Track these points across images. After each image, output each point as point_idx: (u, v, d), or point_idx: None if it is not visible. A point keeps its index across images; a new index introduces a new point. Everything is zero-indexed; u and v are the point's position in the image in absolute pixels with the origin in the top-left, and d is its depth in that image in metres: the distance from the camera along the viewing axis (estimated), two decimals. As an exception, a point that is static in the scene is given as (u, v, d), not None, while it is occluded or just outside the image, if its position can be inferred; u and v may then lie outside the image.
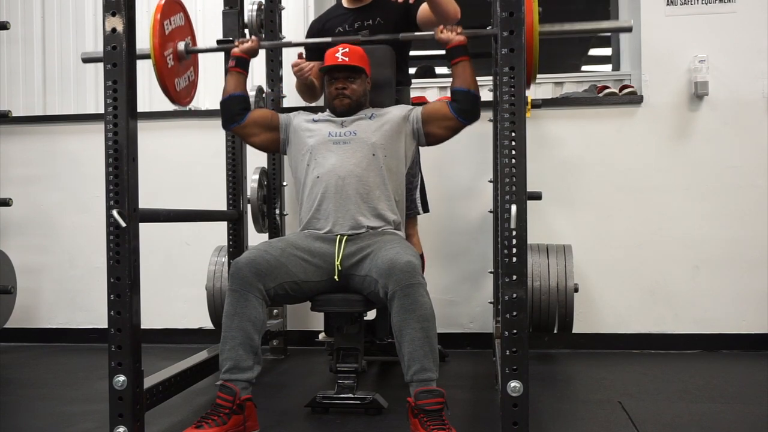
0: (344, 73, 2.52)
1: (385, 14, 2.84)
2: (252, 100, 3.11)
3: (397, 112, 2.54)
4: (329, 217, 2.40)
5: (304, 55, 2.81)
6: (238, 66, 2.55)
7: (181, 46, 2.48)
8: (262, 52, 3.32)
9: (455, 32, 2.39)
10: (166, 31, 2.39)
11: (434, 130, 2.51)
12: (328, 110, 2.61)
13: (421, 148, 2.90)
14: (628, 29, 2.35)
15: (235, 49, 2.54)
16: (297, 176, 2.55)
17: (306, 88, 2.92)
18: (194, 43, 2.59)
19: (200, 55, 2.72)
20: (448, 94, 2.54)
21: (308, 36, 3.04)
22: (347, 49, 2.52)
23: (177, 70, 2.48)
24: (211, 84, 3.62)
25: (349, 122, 2.50)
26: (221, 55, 3.00)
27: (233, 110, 2.55)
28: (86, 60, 2.53)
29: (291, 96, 3.34)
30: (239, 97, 2.55)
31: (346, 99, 2.52)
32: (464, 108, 2.45)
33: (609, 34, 4.36)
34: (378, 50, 2.78)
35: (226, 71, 2.63)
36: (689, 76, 3.39)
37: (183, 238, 3.72)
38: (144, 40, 3.02)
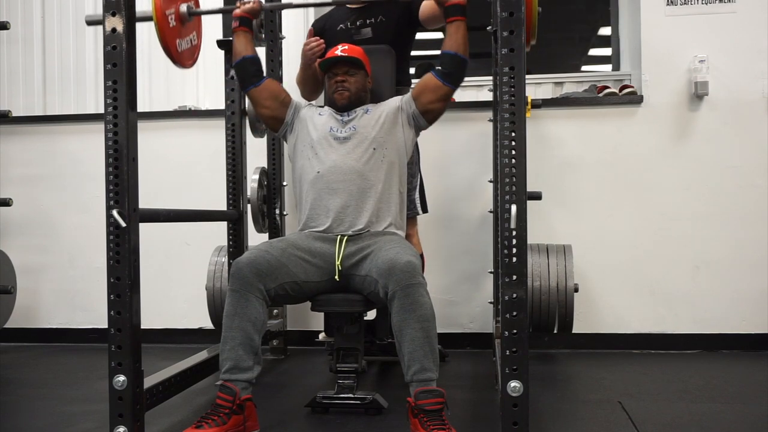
0: (344, 68, 2.54)
1: (387, 12, 2.87)
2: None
3: (390, 103, 2.56)
4: (329, 213, 2.41)
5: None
6: (242, 25, 2.57)
7: (183, 7, 2.46)
8: (262, 52, 3.31)
9: None
10: None
11: (428, 106, 2.51)
12: (329, 106, 2.61)
13: (421, 148, 2.91)
14: None
15: (237, 10, 2.57)
16: (295, 167, 2.56)
17: (309, 78, 2.91)
18: (197, 6, 2.58)
19: (200, 58, 2.71)
20: None
21: (311, 35, 3.03)
22: (347, 47, 2.57)
23: (179, 32, 2.45)
24: (211, 84, 3.62)
25: (349, 118, 2.50)
26: (221, 55, 3.01)
27: (248, 71, 2.57)
28: (90, 22, 2.46)
29: (291, 96, 3.33)
30: (251, 59, 2.57)
31: (345, 92, 2.53)
32: (449, 71, 2.45)
33: (610, 35, 4.36)
34: (378, 50, 2.80)
35: (228, 63, 2.64)
36: (689, 76, 3.38)
37: (183, 238, 3.71)
38: (145, 31, 3.00)
